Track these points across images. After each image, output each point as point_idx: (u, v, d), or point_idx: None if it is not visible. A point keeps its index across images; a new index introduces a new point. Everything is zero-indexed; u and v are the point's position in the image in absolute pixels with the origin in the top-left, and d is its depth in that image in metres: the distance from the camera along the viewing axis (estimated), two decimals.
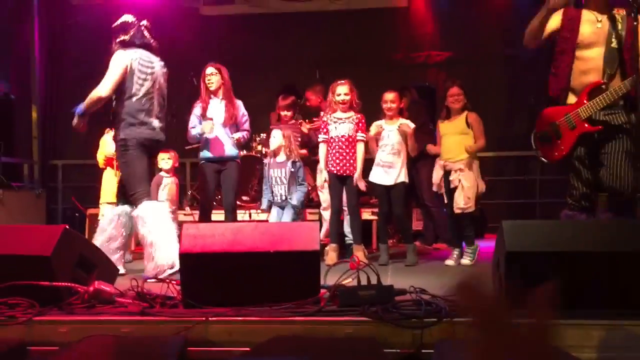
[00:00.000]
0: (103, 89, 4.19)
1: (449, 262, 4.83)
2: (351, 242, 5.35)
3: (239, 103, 5.19)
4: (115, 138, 4.40)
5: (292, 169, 5.17)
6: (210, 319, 2.69)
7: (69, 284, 2.96)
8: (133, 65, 4.26)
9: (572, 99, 3.57)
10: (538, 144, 3.73)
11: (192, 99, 5.36)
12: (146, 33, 4.44)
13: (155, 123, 4.37)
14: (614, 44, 3.41)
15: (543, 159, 3.73)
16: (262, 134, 6.51)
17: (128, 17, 4.47)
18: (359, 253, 4.87)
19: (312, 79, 6.77)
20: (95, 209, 6.68)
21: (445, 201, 4.96)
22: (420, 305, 2.73)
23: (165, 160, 5.55)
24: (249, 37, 8.11)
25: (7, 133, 7.33)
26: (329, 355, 2.31)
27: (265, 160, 5.49)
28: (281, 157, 5.22)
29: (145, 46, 4.42)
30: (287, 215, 5.14)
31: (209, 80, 5.09)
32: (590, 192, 3.55)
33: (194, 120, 5.17)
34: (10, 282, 2.86)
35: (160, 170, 5.61)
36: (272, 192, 5.24)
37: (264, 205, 5.33)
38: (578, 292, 2.73)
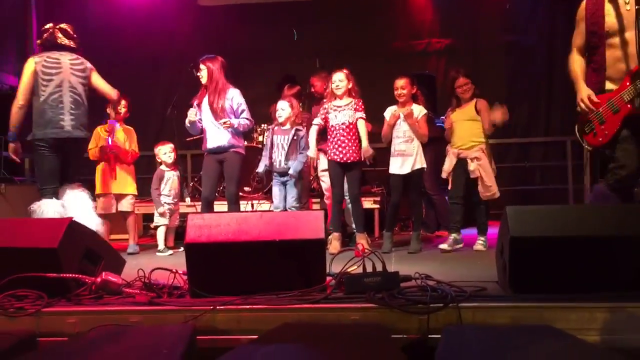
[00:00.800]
0: (16, 99, 4.61)
1: (444, 246, 4.87)
2: (353, 231, 5.38)
3: (233, 93, 5.08)
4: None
5: (295, 137, 5.12)
6: (218, 307, 2.71)
7: (76, 275, 2.98)
8: (37, 69, 4.60)
9: (610, 86, 3.49)
10: (583, 133, 3.65)
11: (191, 90, 5.35)
12: (60, 34, 4.72)
13: (66, 121, 4.60)
14: None
15: (588, 147, 3.69)
16: (263, 125, 6.50)
17: (47, 25, 4.78)
18: (363, 241, 4.88)
19: (312, 69, 6.75)
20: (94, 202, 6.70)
21: (450, 187, 4.99)
22: (425, 291, 2.74)
23: (167, 154, 5.53)
24: (248, 27, 8.09)
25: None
26: (337, 342, 2.33)
27: (270, 126, 5.45)
28: (286, 126, 5.18)
29: (58, 47, 4.70)
30: (291, 193, 5.07)
31: (199, 75, 5.15)
32: (630, 176, 3.44)
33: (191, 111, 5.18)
34: (18, 274, 2.88)
35: (161, 163, 5.58)
36: (271, 157, 5.17)
37: (260, 169, 5.24)
38: (582, 276, 2.77)
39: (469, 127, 4.92)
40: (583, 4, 3.55)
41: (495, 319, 2.61)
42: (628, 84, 3.37)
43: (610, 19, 3.41)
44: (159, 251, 5.31)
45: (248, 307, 2.74)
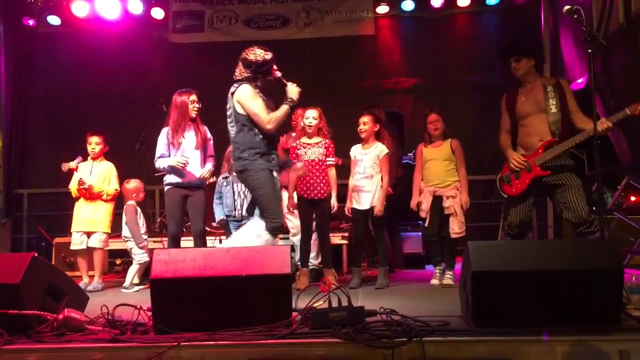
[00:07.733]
0: None
1: (434, 281, 5.00)
2: (315, 267, 5.41)
3: (205, 128, 5.21)
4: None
5: None
6: (182, 343, 2.69)
7: (38, 312, 2.93)
8: None
9: (521, 151, 4.40)
10: (502, 183, 4.55)
11: (161, 126, 5.29)
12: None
13: None
14: (554, 109, 4.21)
15: (504, 195, 4.53)
16: (231, 160, 6.50)
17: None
18: (330, 277, 4.89)
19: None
20: (62, 238, 6.59)
21: (426, 224, 5.07)
22: (390, 326, 2.77)
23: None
24: (219, 64, 8.15)
25: None
26: None
27: (225, 175, 5.45)
28: None
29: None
30: None
31: (194, 107, 5.08)
32: (520, 224, 4.39)
33: (162, 148, 5.09)
34: None
35: (128, 199, 5.52)
36: (230, 206, 5.10)
37: (219, 218, 5.13)
38: (542, 310, 2.83)
39: (445, 166, 5.03)
40: (504, 97, 4.61)
41: (458, 353, 2.65)
42: (541, 151, 4.23)
43: (519, 106, 4.41)
44: (125, 287, 5.23)
45: (213, 343, 2.72)
